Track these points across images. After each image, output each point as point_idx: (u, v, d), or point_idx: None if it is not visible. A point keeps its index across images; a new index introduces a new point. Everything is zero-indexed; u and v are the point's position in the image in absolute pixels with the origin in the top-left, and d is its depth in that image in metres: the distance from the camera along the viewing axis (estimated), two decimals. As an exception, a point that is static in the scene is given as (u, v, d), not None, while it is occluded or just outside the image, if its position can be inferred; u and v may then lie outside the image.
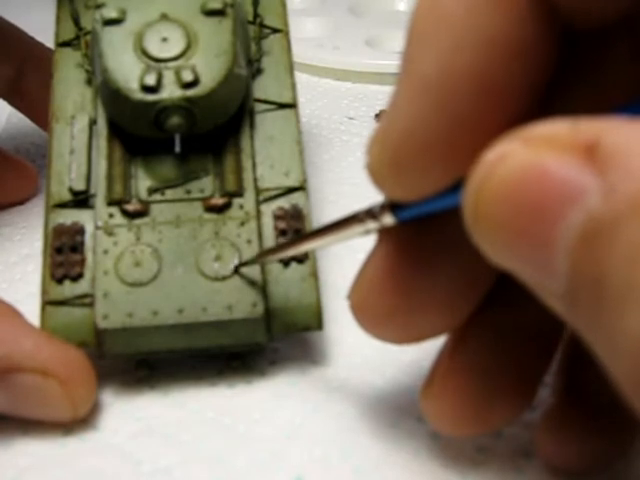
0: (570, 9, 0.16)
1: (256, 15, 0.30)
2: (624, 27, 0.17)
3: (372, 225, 0.20)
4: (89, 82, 0.29)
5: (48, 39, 0.31)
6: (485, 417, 0.21)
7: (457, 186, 0.17)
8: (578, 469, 0.21)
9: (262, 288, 0.25)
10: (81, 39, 0.29)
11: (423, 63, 0.17)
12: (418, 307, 0.20)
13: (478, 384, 0.21)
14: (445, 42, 0.16)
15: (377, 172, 0.18)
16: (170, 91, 0.26)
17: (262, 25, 0.30)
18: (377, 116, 0.42)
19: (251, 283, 0.25)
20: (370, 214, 0.20)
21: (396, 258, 0.20)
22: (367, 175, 0.19)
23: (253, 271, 0.25)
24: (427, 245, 0.20)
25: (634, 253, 0.13)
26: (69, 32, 0.30)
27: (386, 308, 0.20)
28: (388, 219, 0.19)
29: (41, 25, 0.36)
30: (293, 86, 0.29)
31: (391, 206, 0.19)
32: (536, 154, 0.14)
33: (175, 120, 0.26)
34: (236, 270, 0.25)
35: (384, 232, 0.20)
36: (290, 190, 0.27)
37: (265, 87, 0.29)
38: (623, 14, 0.17)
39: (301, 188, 0.27)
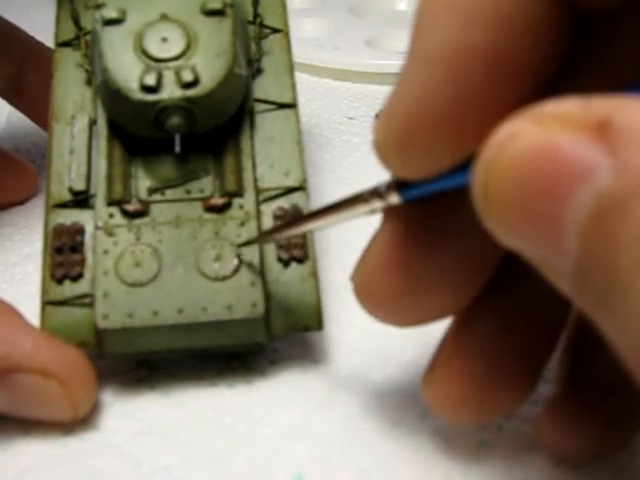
0: None
1: (256, 15, 0.30)
2: (634, 6, 0.17)
3: (377, 204, 0.20)
4: (89, 82, 0.29)
5: (48, 39, 0.31)
6: (488, 403, 0.21)
7: (465, 165, 0.17)
8: (581, 457, 0.21)
9: (262, 288, 0.25)
10: (81, 39, 0.29)
11: (433, 40, 0.17)
12: (423, 288, 0.20)
13: (481, 369, 0.21)
14: (455, 19, 0.16)
15: (384, 150, 0.18)
16: (170, 91, 0.26)
17: (262, 25, 0.30)
18: (377, 116, 0.42)
19: (251, 283, 0.25)
20: (376, 193, 0.20)
21: (402, 238, 0.20)
22: (374, 152, 0.18)
23: (253, 271, 0.25)
24: (433, 225, 0.20)
25: None
26: (69, 32, 0.30)
27: (390, 289, 0.20)
28: (394, 198, 0.19)
29: (41, 25, 0.36)
30: (293, 86, 0.29)
31: (397, 185, 0.19)
32: (547, 132, 0.14)
33: (175, 120, 0.26)
34: (240, 246, 0.25)
35: (390, 212, 0.20)
36: (290, 190, 0.27)
37: (265, 87, 0.29)
38: None
39: (301, 188, 0.27)
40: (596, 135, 0.14)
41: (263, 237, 0.25)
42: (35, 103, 0.37)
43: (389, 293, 0.20)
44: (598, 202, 0.13)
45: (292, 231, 0.23)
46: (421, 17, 0.17)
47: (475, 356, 0.21)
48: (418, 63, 0.17)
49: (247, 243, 0.25)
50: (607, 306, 0.13)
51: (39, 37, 0.37)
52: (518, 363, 0.21)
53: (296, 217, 0.26)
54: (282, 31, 0.30)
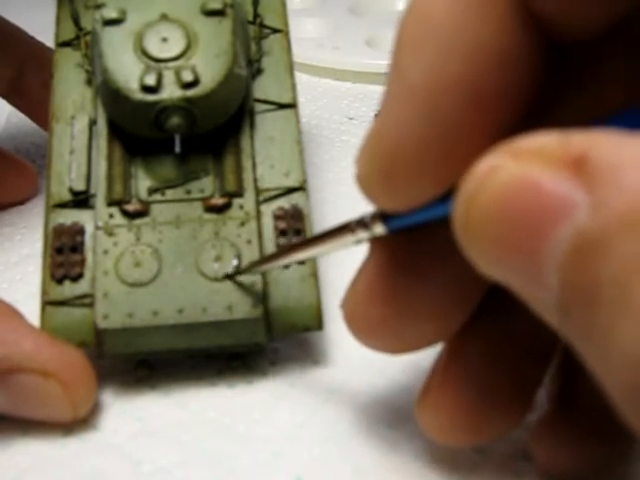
0: (552, 22, 0.16)
1: (256, 15, 0.30)
2: (615, 37, 0.17)
3: (363, 235, 0.20)
4: (89, 82, 0.29)
5: (48, 39, 0.31)
6: (481, 427, 0.21)
7: (447, 197, 0.17)
8: (573, 475, 0.21)
9: (262, 288, 0.25)
10: (81, 39, 0.29)
11: (411, 72, 0.17)
12: (409, 316, 0.20)
13: (474, 394, 0.21)
14: (433, 51, 0.16)
15: (366, 182, 0.18)
16: (170, 91, 0.26)
17: (262, 25, 0.30)
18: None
19: (251, 283, 0.25)
20: (361, 224, 0.20)
21: (387, 267, 0.20)
22: (357, 185, 0.19)
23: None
24: (418, 254, 0.20)
25: (624, 268, 0.13)
26: (69, 32, 0.30)
27: (377, 317, 0.20)
28: (379, 229, 0.19)
29: (41, 25, 0.36)
30: (293, 86, 0.29)
31: (382, 216, 0.19)
32: (525, 168, 0.14)
33: (175, 120, 0.26)
34: (229, 277, 0.25)
35: (375, 241, 0.20)
36: (290, 190, 0.27)
37: (265, 87, 0.29)
38: (610, 24, 0.17)
39: (301, 188, 0.27)
40: (573, 171, 0.14)
41: (254, 266, 0.25)
42: (35, 103, 0.37)
43: (376, 321, 0.20)
44: (576, 239, 0.13)
45: (282, 261, 0.23)
46: (400, 46, 0.17)
47: (467, 382, 0.21)
48: (397, 96, 0.17)
49: (237, 273, 0.25)
50: (590, 341, 0.13)
51: (39, 37, 0.37)
52: (510, 388, 0.21)
53: (285, 247, 0.26)
54: (282, 31, 0.30)
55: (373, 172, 0.18)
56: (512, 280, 0.15)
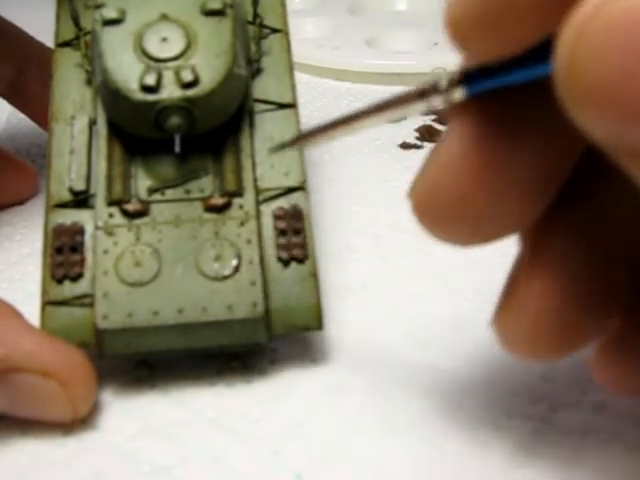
0: None
1: (256, 15, 0.30)
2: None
3: (437, 101, 0.18)
4: (89, 82, 0.28)
5: (48, 39, 0.31)
6: (567, 331, 0.19)
7: (542, 49, 0.15)
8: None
9: (262, 288, 0.25)
10: (81, 39, 0.29)
11: None
12: (495, 197, 0.18)
13: (562, 297, 0.19)
14: None
15: (457, 25, 0.16)
16: (170, 91, 0.26)
17: (262, 25, 0.30)
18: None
19: (251, 283, 0.25)
20: (435, 88, 0.18)
21: (470, 143, 0.18)
22: (446, 31, 0.17)
23: (253, 270, 0.25)
24: (504, 127, 0.18)
25: None
26: (69, 32, 0.30)
27: (458, 199, 0.18)
28: (458, 93, 0.17)
29: (41, 25, 0.36)
30: (293, 86, 0.29)
31: (462, 78, 0.17)
32: None
33: (175, 120, 0.26)
34: (273, 150, 0.24)
35: (457, 114, 0.18)
36: (290, 190, 0.27)
37: (265, 87, 0.29)
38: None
39: (301, 188, 0.27)
40: None
41: (304, 138, 0.22)
42: (35, 103, 0.37)
43: (455, 202, 0.18)
44: None
45: (339, 131, 0.21)
46: None
47: (553, 284, 0.19)
48: None
49: (283, 146, 0.24)
50: None
51: (39, 37, 0.37)
52: (600, 289, 0.19)
53: (344, 116, 0.21)
54: (282, 31, 0.30)
55: (466, 13, 0.16)
56: (623, 132, 0.13)
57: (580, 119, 0.13)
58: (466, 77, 0.17)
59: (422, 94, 0.18)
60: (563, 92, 0.13)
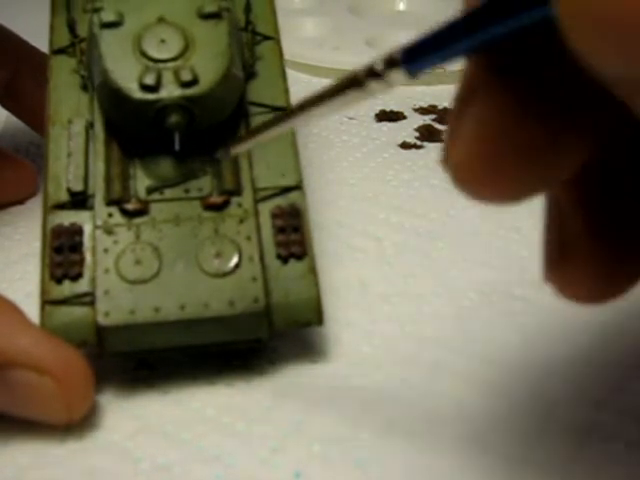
0: None
1: (248, 22, 0.30)
2: None
3: (376, 86, 0.17)
4: (85, 88, 0.29)
5: (42, 43, 0.31)
6: (620, 277, 0.19)
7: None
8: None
9: (263, 284, 0.25)
10: (76, 46, 0.29)
11: None
12: (538, 148, 0.17)
13: (611, 238, 0.18)
14: None
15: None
16: (169, 90, 0.26)
17: (254, 32, 0.30)
18: (377, 116, 0.42)
19: (252, 278, 0.25)
20: (371, 72, 0.17)
21: (501, 106, 0.17)
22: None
23: (254, 266, 0.25)
24: (534, 87, 0.17)
25: None
26: (64, 39, 0.30)
27: (500, 157, 0.17)
28: (397, 74, 0.16)
29: (36, 29, 0.36)
30: (286, 91, 0.29)
31: (401, 58, 0.16)
32: None
33: (174, 118, 0.26)
34: (226, 148, 0.24)
35: (483, 81, 0.17)
36: (286, 190, 0.27)
37: (259, 91, 0.29)
38: None
39: (297, 187, 0.27)
40: None
41: (248, 137, 0.22)
42: (29, 107, 0.37)
43: (498, 162, 0.17)
44: None
45: (279, 129, 0.21)
46: None
47: (602, 225, 0.18)
48: None
49: (229, 146, 0.24)
50: None
51: (32, 41, 0.37)
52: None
53: (276, 117, 0.22)
54: (273, 38, 0.31)
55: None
56: (634, 65, 0.12)
57: (586, 53, 0.13)
58: (404, 55, 0.16)
59: (358, 81, 0.17)
60: (565, 26, 0.12)
